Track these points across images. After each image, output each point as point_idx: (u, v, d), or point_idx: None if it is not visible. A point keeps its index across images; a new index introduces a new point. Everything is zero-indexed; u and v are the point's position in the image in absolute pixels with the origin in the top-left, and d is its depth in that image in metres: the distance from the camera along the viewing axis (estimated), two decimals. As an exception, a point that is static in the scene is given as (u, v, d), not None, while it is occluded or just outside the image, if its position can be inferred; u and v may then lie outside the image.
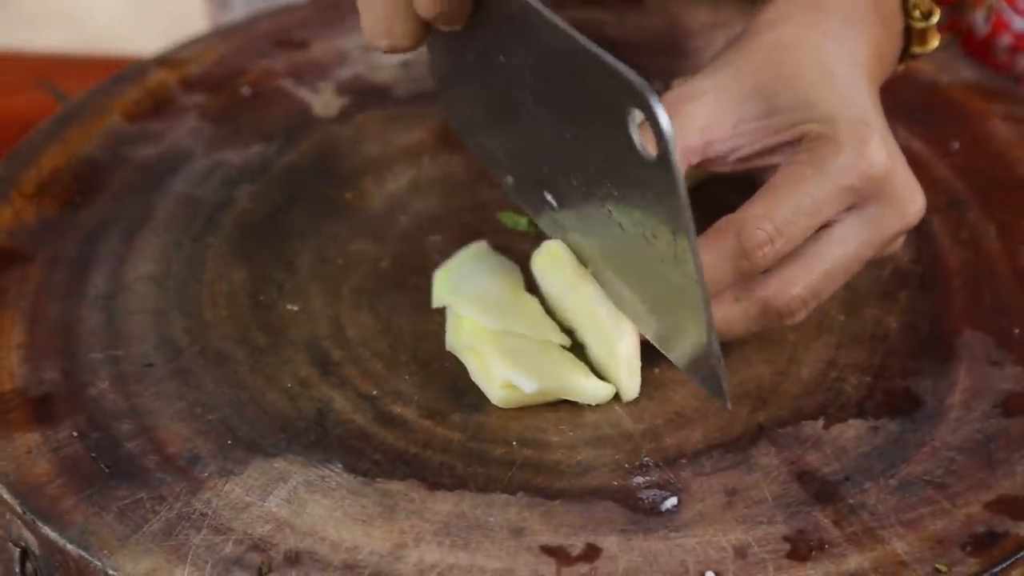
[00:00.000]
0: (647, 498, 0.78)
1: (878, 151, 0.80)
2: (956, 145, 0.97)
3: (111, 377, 0.84)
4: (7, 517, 0.79)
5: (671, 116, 0.81)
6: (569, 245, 0.84)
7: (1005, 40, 1.01)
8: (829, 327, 0.86)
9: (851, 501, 0.77)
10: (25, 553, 0.78)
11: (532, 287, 0.86)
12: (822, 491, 0.78)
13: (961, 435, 0.80)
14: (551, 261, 0.84)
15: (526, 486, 0.78)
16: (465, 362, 0.83)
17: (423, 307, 0.87)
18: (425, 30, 0.80)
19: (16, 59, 1.45)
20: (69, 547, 0.76)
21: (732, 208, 0.80)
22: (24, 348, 0.86)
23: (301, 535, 0.76)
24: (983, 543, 0.75)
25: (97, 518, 0.77)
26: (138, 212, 0.94)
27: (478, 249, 0.88)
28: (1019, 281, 0.89)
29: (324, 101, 1.02)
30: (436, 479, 0.79)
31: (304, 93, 1.02)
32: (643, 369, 0.82)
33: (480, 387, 0.82)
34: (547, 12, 0.75)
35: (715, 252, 0.78)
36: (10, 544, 0.79)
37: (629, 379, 0.82)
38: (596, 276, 0.82)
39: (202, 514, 0.77)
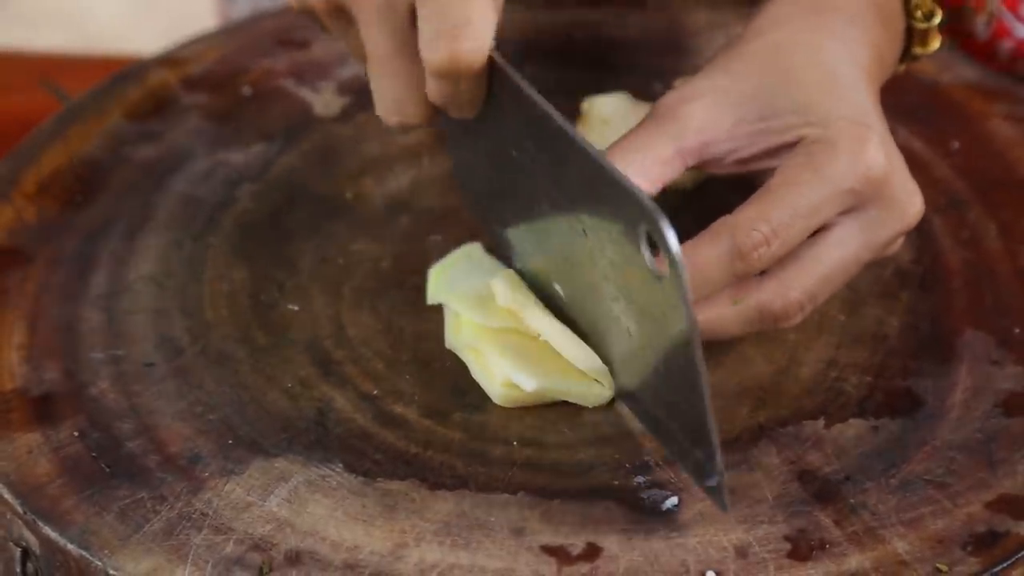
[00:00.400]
0: (648, 497, 0.78)
1: (876, 153, 0.80)
2: (957, 145, 0.97)
3: (112, 377, 0.84)
4: (8, 517, 0.79)
5: (664, 119, 0.81)
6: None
7: (1006, 46, 1.01)
8: (830, 327, 0.86)
9: (852, 501, 0.77)
10: (26, 553, 0.78)
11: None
12: (823, 491, 0.78)
13: (962, 435, 0.80)
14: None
15: (527, 486, 0.78)
16: (465, 360, 0.83)
17: (424, 307, 0.87)
18: (436, 109, 0.80)
19: (17, 58, 1.45)
20: (70, 547, 0.76)
21: (731, 208, 0.80)
22: (25, 348, 0.86)
23: (302, 535, 0.76)
24: (984, 543, 0.75)
25: (98, 518, 0.77)
26: (139, 212, 0.94)
27: (472, 249, 0.88)
28: (1020, 281, 0.89)
29: (325, 101, 1.02)
30: (437, 479, 0.79)
31: (305, 93, 1.02)
32: (644, 369, 0.82)
33: (481, 385, 0.82)
34: (562, 120, 0.75)
35: (711, 253, 0.78)
36: (11, 544, 0.79)
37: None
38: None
39: (203, 514, 0.77)
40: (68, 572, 0.77)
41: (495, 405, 0.82)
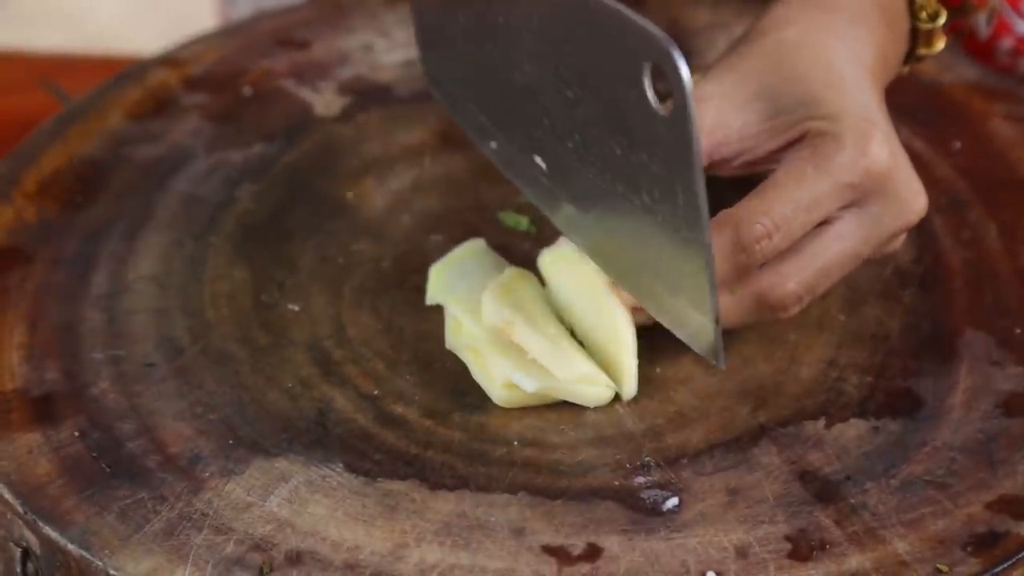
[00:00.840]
0: (648, 498, 0.78)
1: (880, 149, 0.80)
2: (958, 145, 0.97)
3: (112, 377, 0.84)
4: (8, 517, 0.79)
5: None
6: (561, 218, 0.83)
7: (1007, 43, 1.01)
8: (830, 327, 0.86)
9: (852, 501, 0.77)
10: (26, 553, 0.78)
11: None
12: (823, 491, 0.78)
13: (962, 435, 0.80)
14: (558, 258, 0.84)
15: (527, 486, 0.78)
16: (465, 361, 0.83)
17: (424, 307, 0.87)
18: None
19: (17, 59, 1.45)
20: (70, 547, 0.76)
21: (730, 205, 0.80)
22: (25, 348, 0.86)
23: (302, 535, 0.76)
24: (984, 543, 0.75)
25: (98, 518, 0.77)
26: (139, 212, 0.94)
27: (474, 246, 0.88)
28: (1020, 281, 0.89)
29: (325, 101, 1.02)
30: (437, 479, 0.79)
31: (305, 93, 1.02)
32: (644, 369, 0.82)
33: (481, 386, 0.82)
34: None
35: (713, 245, 0.78)
36: (11, 544, 0.79)
37: (628, 377, 0.82)
38: (592, 251, 0.82)
39: (203, 514, 0.77)
40: (68, 572, 0.76)
41: (495, 405, 0.82)
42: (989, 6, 1.01)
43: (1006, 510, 0.77)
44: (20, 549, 0.79)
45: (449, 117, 0.94)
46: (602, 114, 0.75)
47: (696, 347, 0.78)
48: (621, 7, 0.72)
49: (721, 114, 0.82)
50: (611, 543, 0.75)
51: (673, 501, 0.77)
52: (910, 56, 0.90)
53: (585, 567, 0.74)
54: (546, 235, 0.89)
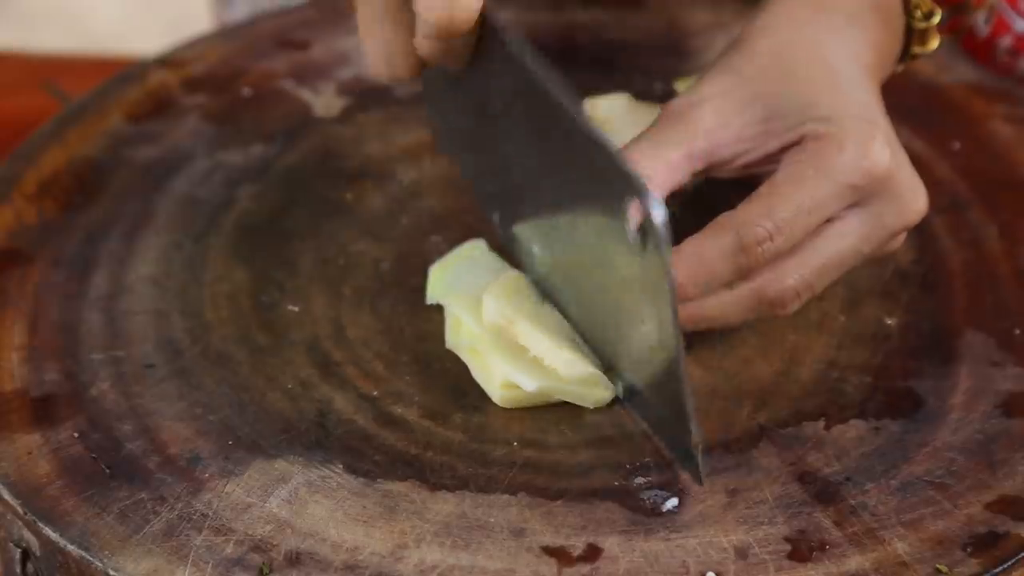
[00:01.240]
0: (648, 499, 0.78)
1: (881, 150, 0.80)
2: (957, 146, 0.97)
3: (112, 378, 0.84)
4: (8, 518, 0.79)
5: (674, 123, 0.81)
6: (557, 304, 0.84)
7: (1006, 42, 1.01)
8: (830, 327, 0.86)
9: (852, 502, 0.77)
10: (26, 554, 0.78)
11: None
12: (823, 492, 0.78)
13: (962, 436, 0.80)
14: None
15: (527, 487, 0.78)
16: (466, 361, 0.83)
17: (424, 307, 0.87)
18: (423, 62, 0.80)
19: (16, 59, 1.45)
20: (70, 548, 0.76)
21: (732, 207, 0.80)
22: (25, 349, 0.86)
23: (302, 536, 0.76)
24: (984, 544, 0.75)
25: (98, 519, 0.77)
26: (139, 213, 0.94)
27: (474, 247, 0.88)
28: (1020, 282, 0.89)
29: (325, 102, 1.02)
30: (437, 480, 0.79)
31: (305, 94, 1.02)
32: (644, 370, 0.82)
33: (481, 386, 0.82)
34: (551, 84, 0.75)
35: (714, 248, 0.78)
36: (11, 545, 0.79)
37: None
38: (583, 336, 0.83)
39: (203, 515, 0.77)
40: (68, 573, 0.76)
41: (495, 406, 0.82)
42: (987, 4, 1.01)
43: (1006, 511, 0.77)
44: (20, 550, 0.79)
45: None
46: (589, 227, 0.76)
47: (671, 451, 0.79)
48: (604, 139, 0.72)
49: (719, 116, 0.82)
50: (611, 544, 0.75)
51: (673, 502, 0.77)
52: (904, 55, 0.90)
53: (585, 568, 0.74)
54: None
